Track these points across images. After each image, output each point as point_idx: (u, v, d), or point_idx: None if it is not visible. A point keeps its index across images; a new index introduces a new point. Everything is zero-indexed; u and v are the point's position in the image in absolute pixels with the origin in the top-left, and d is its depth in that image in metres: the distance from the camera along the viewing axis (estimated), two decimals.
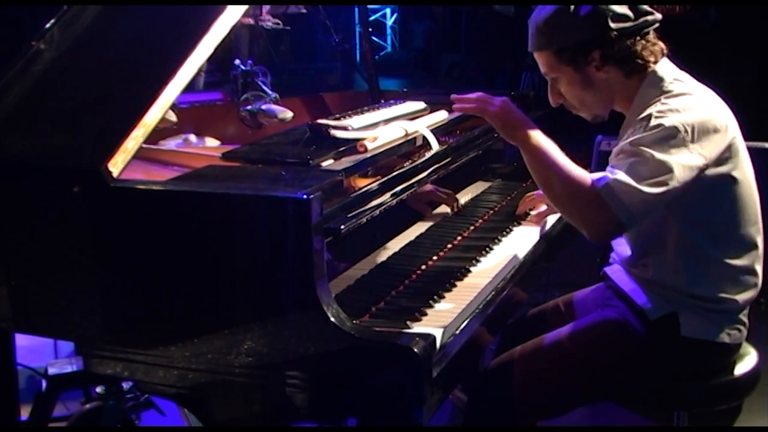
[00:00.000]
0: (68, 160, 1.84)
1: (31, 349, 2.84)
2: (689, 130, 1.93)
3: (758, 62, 5.81)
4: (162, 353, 1.79)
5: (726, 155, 2.01)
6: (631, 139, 1.96)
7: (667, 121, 1.94)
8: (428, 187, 2.50)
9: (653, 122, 1.94)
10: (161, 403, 2.92)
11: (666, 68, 2.10)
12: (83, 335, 1.88)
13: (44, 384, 2.79)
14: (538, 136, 2.01)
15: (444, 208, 2.65)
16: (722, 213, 2.05)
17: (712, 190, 2.02)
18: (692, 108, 1.97)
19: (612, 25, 2.02)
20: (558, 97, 2.19)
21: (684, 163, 1.91)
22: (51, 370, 2.79)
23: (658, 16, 2.08)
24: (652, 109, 1.98)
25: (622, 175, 1.90)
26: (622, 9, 2.04)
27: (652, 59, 2.08)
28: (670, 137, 1.92)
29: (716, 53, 5.67)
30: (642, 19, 2.05)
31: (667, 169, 1.90)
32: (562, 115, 2.26)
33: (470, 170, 2.86)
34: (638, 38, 2.06)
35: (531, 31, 2.13)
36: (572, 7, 2.04)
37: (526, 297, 2.30)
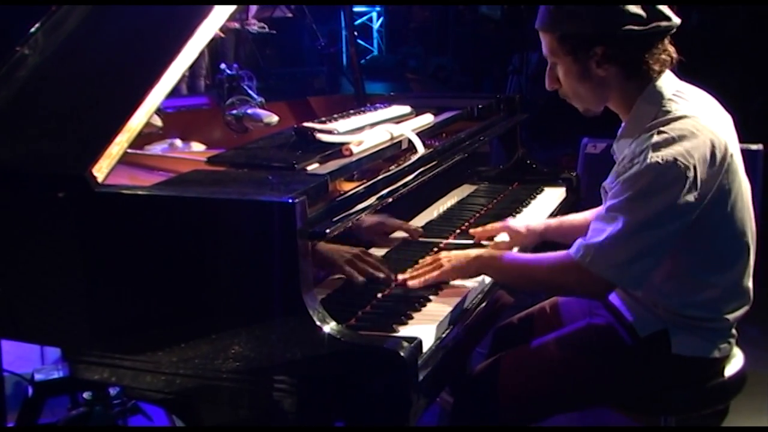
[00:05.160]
0: (53, 166, 1.84)
1: (18, 355, 2.83)
2: (690, 164, 1.85)
3: (740, 64, 5.85)
4: (149, 359, 1.78)
5: (725, 181, 1.95)
6: (627, 177, 1.90)
7: (664, 155, 1.86)
8: (375, 218, 2.33)
9: (650, 159, 1.86)
10: (148, 409, 2.91)
11: (667, 82, 2.01)
12: (70, 341, 1.88)
13: (30, 390, 2.77)
14: (500, 259, 2.08)
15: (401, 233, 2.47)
16: (717, 237, 1.99)
17: (709, 217, 1.94)
18: (689, 136, 1.88)
19: (622, 25, 1.92)
20: (555, 82, 2.09)
21: (680, 205, 1.86)
22: (37, 376, 2.78)
23: (675, 21, 1.97)
24: (648, 142, 1.89)
25: (605, 240, 1.89)
26: (636, 8, 1.92)
27: (656, 67, 1.99)
28: (667, 175, 1.85)
29: (699, 55, 5.72)
30: (654, 24, 1.93)
31: (657, 221, 1.87)
32: (549, 118, 2.26)
33: (456, 173, 2.86)
34: (647, 44, 1.97)
35: (541, 8, 2.03)
36: None
37: (512, 301, 2.30)
